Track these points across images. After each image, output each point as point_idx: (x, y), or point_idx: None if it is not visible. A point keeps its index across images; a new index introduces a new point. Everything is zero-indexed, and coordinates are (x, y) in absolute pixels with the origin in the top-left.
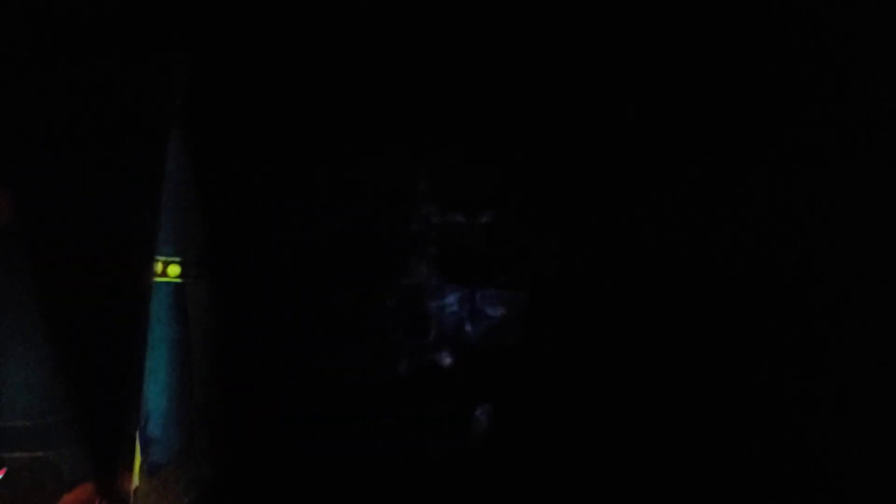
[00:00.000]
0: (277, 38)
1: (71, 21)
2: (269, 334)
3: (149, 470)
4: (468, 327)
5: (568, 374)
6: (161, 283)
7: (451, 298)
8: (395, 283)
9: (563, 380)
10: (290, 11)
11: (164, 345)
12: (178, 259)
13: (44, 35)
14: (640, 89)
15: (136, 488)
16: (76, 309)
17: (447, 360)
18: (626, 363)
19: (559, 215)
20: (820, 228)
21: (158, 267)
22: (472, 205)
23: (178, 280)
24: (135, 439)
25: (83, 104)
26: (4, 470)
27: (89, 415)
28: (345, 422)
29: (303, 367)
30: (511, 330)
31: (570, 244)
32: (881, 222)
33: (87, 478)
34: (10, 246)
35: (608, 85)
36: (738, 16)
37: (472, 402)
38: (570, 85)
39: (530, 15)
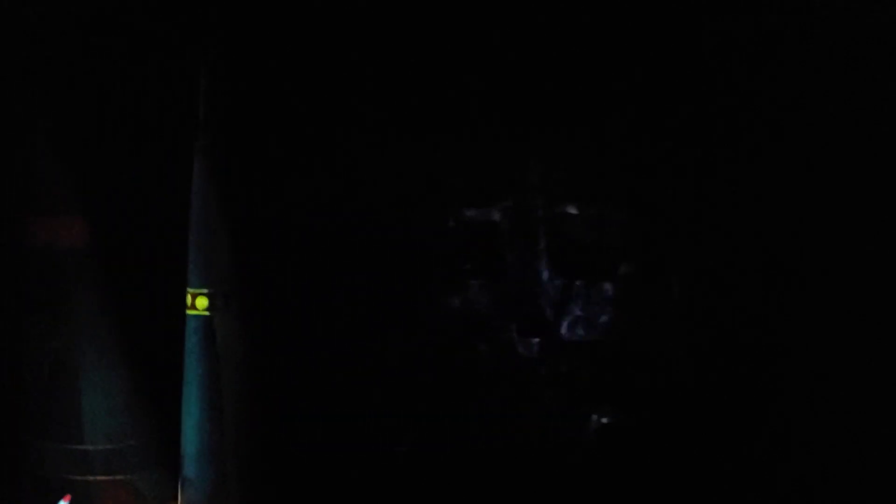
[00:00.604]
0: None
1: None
2: (322, 362)
3: None
4: (582, 324)
5: (691, 375)
6: (190, 316)
7: (563, 294)
8: (504, 279)
9: (685, 380)
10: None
11: (195, 382)
12: (205, 290)
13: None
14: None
15: None
16: (148, 337)
17: (560, 359)
18: (753, 363)
19: (680, 205)
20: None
21: (188, 299)
22: (584, 195)
23: (206, 313)
24: None
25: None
26: (69, 497)
27: (168, 438)
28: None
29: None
30: (629, 326)
31: (692, 236)
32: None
33: (167, 500)
34: (85, 276)
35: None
36: None
37: (587, 402)
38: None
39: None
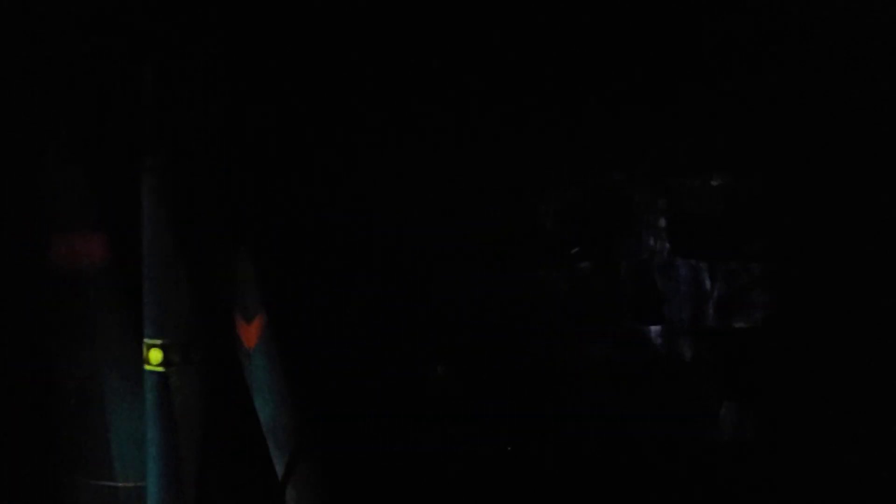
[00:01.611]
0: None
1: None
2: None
3: None
4: (707, 307)
5: (825, 363)
6: (145, 371)
7: (685, 274)
8: (618, 261)
9: (821, 370)
10: None
11: (152, 448)
12: (158, 342)
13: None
14: None
15: None
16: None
17: (684, 347)
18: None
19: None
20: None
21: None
22: (706, 165)
23: (161, 369)
24: None
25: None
26: None
27: None
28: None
29: None
30: (759, 309)
31: (821, 206)
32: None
33: None
34: (106, 297)
35: None
36: None
37: (714, 396)
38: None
39: None
